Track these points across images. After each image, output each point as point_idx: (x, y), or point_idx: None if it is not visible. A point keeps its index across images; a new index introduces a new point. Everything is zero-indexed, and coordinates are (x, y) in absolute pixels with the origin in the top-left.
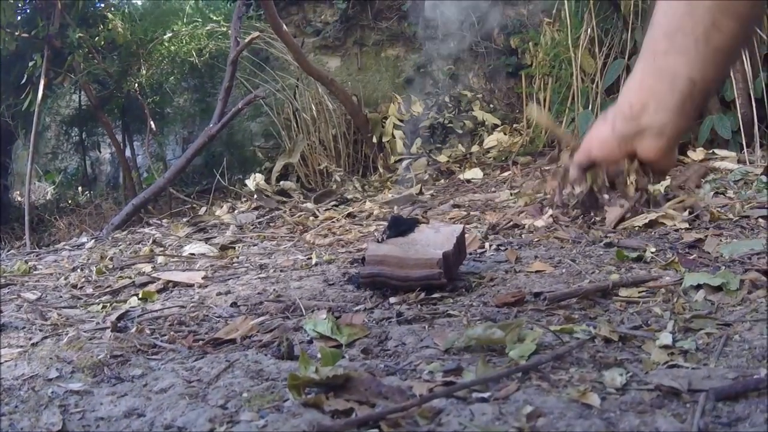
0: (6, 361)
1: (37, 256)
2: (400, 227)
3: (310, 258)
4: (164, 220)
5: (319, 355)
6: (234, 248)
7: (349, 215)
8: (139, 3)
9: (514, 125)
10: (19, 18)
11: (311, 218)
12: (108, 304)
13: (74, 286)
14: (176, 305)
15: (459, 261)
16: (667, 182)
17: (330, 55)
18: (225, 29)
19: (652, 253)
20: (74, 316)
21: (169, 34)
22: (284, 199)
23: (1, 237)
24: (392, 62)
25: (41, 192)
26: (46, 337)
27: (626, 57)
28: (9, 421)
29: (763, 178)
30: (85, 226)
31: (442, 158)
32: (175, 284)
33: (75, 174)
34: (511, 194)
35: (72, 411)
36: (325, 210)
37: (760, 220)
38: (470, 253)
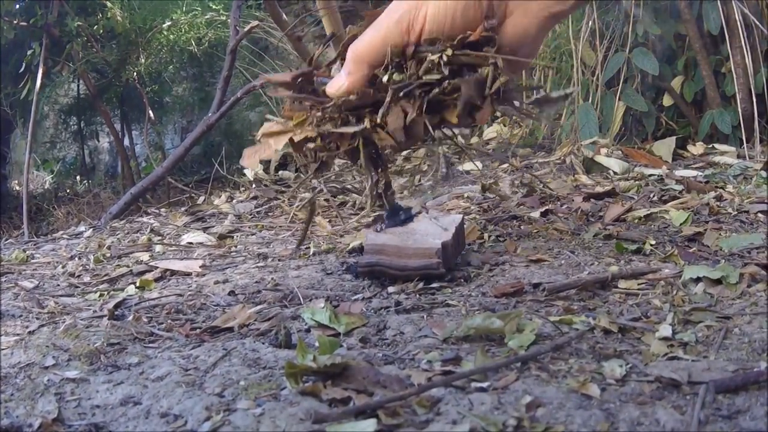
0: (2, 349)
1: (35, 245)
2: (398, 216)
3: (309, 247)
4: (162, 210)
5: (316, 344)
6: (232, 237)
7: (342, 204)
8: None
9: (514, 117)
10: (17, 6)
11: None
12: (105, 293)
13: (72, 275)
14: (174, 294)
15: (458, 251)
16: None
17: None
18: (224, 18)
19: (651, 245)
20: (71, 304)
21: (168, 23)
22: (283, 188)
23: (0, 226)
24: None
25: (39, 181)
26: (42, 326)
27: (627, 50)
28: (4, 409)
29: (763, 173)
30: (83, 215)
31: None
32: (173, 273)
33: (73, 163)
34: (511, 185)
35: (68, 399)
36: (324, 200)
37: (760, 215)
38: (469, 244)
